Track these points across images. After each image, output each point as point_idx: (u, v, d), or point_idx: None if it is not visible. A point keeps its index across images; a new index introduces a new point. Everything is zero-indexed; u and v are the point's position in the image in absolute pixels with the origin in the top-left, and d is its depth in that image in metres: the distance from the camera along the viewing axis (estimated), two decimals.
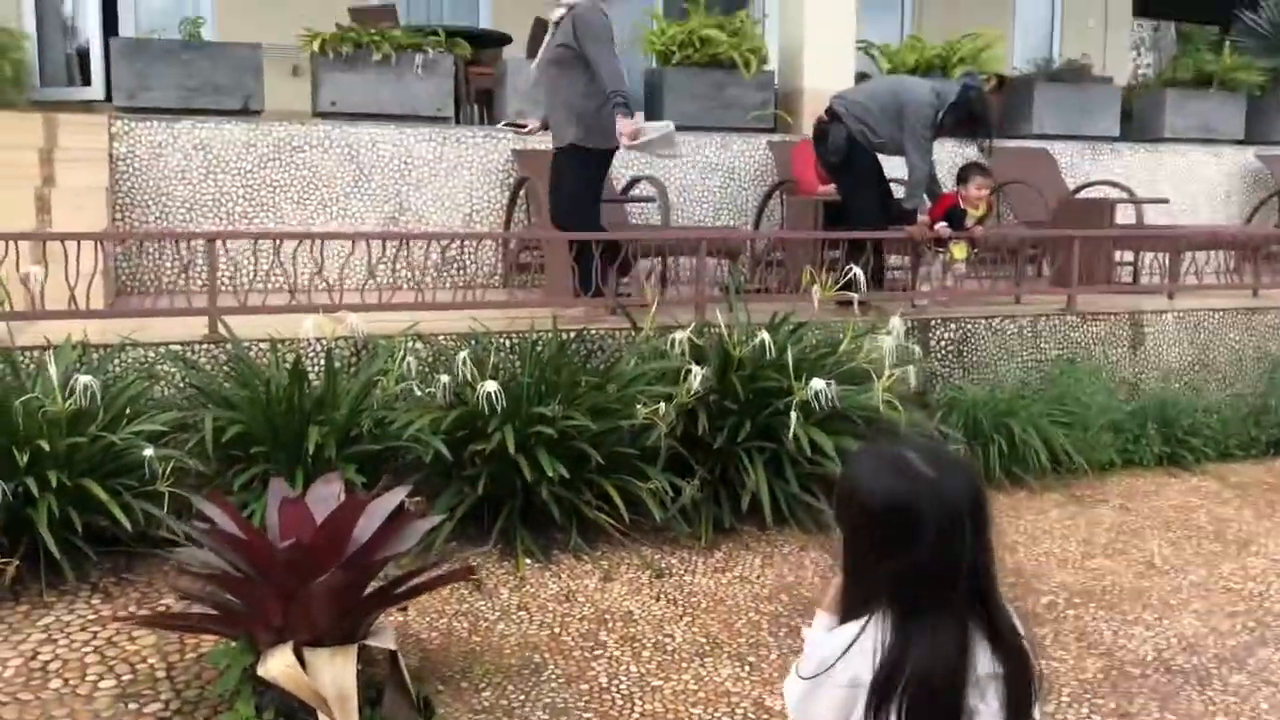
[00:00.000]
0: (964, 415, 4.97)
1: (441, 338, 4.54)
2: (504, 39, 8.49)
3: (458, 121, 7.91)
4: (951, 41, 8.05)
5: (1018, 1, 12.05)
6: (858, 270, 4.66)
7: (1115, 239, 6.13)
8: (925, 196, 5.59)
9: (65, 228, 5.58)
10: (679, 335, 4.33)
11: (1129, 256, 7.01)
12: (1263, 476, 5.30)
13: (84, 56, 8.84)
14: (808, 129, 7.21)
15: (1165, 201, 7.15)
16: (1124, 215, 7.53)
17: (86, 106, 8.10)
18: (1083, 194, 8.08)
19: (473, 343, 4.46)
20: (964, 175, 5.63)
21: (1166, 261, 6.43)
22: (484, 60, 8.29)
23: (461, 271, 6.72)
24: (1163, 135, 8.81)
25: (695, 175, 7.42)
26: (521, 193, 6.85)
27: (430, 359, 4.41)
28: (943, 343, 5.36)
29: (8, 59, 7.72)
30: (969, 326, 5.41)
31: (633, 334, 4.64)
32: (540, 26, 8.21)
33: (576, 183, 5.43)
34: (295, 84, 7.78)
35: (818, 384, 4.13)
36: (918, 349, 4.95)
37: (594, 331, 4.73)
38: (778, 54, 8.05)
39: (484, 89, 8.05)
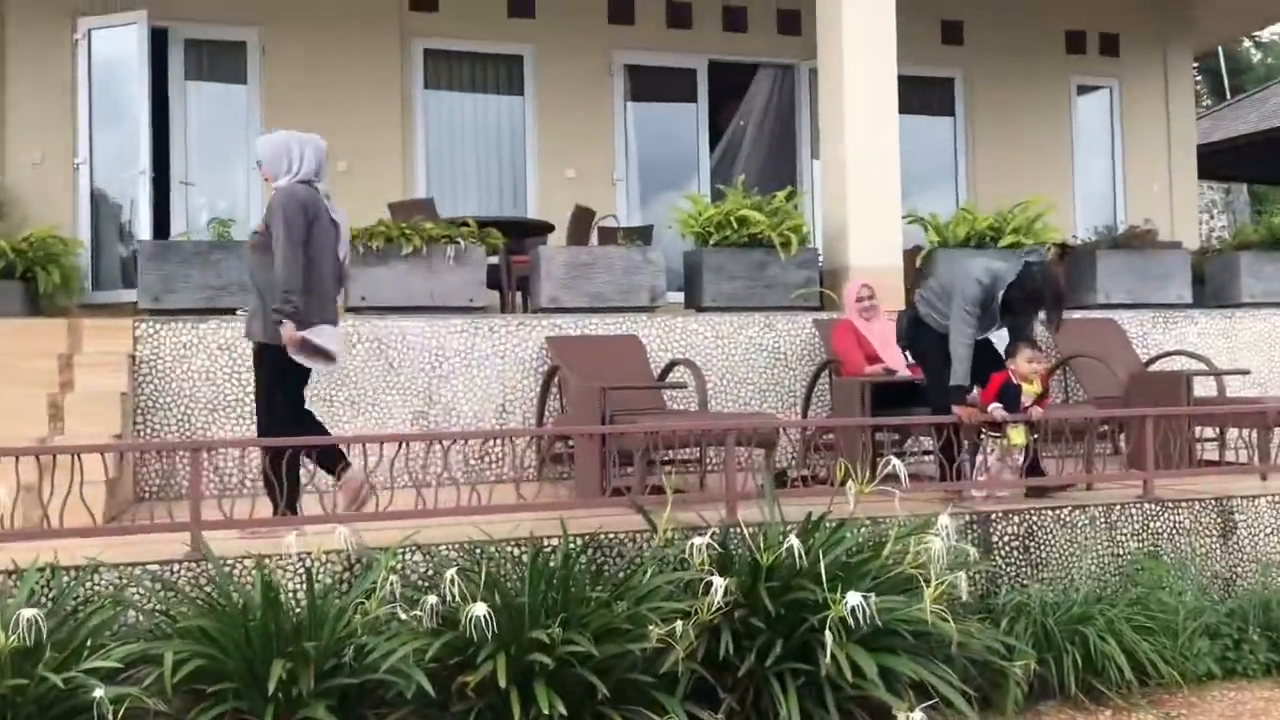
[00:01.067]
0: (1031, 623, 4.40)
1: (444, 548, 4.17)
2: (546, 227, 8.43)
3: (503, 311, 7.77)
4: (1003, 212, 7.76)
5: (1077, 168, 11.83)
6: (896, 461, 4.22)
7: (1193, 415, 5.60)
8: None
9: (76, 434, 5.43)
10: (698, 541, 3.91)
11: (1211, 433, 6.44)
12: None
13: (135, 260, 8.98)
14: (848, 310, 6.92)
15: (1246, 372, 6.62)
16: (1203, 387, 6.99)
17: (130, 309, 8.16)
18: (1156, 365, 7.57)
19: (477, 553, 4.10)
20: (1011, 350, 5.21)
21: (1254, 438, 5.86)
22: (525, 249, 8.21)
23: (496, 464, 6.42)
24: (1240, 300, 8.32)
25: (739, 357, 7.11)
26: (555, 381, 6.58)
27: (431, 573, 4.04)
28: (1005, 539, 4.84)
29: (59, 265, 7.84)
30: (1034, 519, 4.88)
31: (655, 539, 4.22)
32: (581, 213, 8.15)
33: (270, 384, 4.85)
34: None
35: (853, 598, 3.65)
36: (973, 550, 4.44)
37: (609, 537, 4.32)
38: (821, 231, 7.83)
39: (523, 276, 7.92)
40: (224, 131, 9.38)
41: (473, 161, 10.06)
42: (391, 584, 3.68)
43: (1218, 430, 6.31)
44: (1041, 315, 5.44)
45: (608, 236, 7.91)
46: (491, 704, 3.52)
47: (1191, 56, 12.46)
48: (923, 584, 3.91)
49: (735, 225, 7.15)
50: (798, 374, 7.19)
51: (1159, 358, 7.59)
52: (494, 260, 8.13)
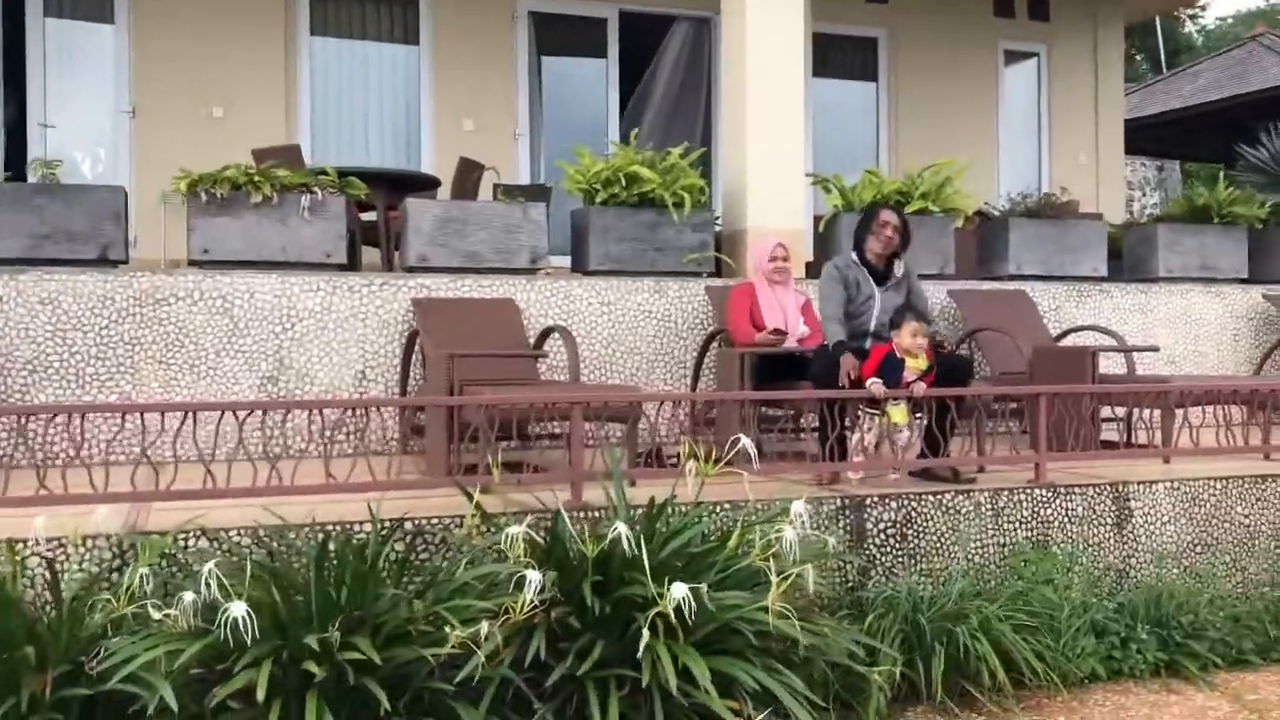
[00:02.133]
0: (900, 620, 3.99)
1: (235, 533, 3.65)
2: (431, 181, 7.86)
3: (387, 270, 7.22)
4: (911, 175, 7.33)
5: (1003, 137, 11.48)
6: (746, 440, 3.77)
7: (1091, 393, 5.22)
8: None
9: None
10: (514, 530, 3.42)
11: (1115, 413, 6.08)
12: None
13: None
14: (752, 272, 6.45)
15: (1155, 349, 6.26)
16: (1114, 364, 6.65)
17: None
18: (1067, 340, 7.21)
19: (273, 540, 3.58)
20: (895, 320, 4.79)
21: (1159, 419, 5.50)
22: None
23: (354, 436, 5.89)
24: (1157, 274, 7.98)
25: (626, 324, 6.63)
26: (418, 347, 6.06)
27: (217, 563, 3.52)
28: (881, 526, 4.41)
29: None
30: (914, 505, 4.46)
31: (470, 525, 3.74)
32: (466, 165, 7.61)
33: None
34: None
35: (678, 590, 3.19)
36: (831, 539, 3.99)
37: (433, 523, 3.83)
38: (722, 193, 7.35)
39: (398, 232, 7.36)
40: (89, 73, 8.69)
41: (363, 113, 9.45)
42: (143, 576, 3.15)
43: (1124, 410, 5.96)
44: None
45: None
46: (255, 718, 3.02)
47: (1123, 26, 12.12)
48: (771, 577, 3.46)
49: (624, 183, 6.64)
50: (689, 343, 6.72)
51: (1069, 332, 7.24)
52: (372, 217, 7.57)
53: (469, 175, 7.47)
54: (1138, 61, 27.78)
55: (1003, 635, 3.99)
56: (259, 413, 3.97)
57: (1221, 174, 8.52)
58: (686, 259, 6.79)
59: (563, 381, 5.90)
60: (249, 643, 2.96)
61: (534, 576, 3.25)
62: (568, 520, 3.60)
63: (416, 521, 3.79)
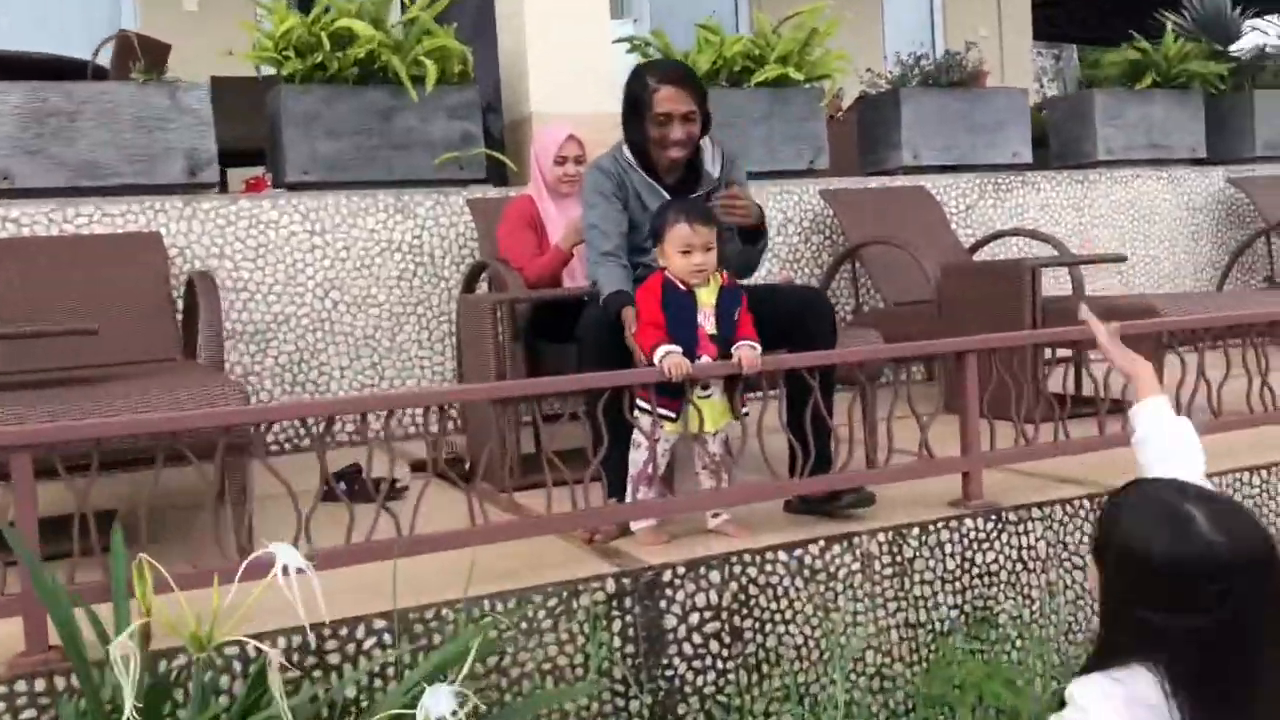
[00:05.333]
0: None
1: None
2: (70, 69, 5.45)
3: None
4: (764, 31, 5.22)
5: (888, 5, 9.46)
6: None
7: (1057, 342, 3.21)
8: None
9: None
10: None
11: (1074, 355, 4.13)
12: None
13: None
14: (533, 179, 4.29)
15: (1122, 258, 4.31)
16: (1054, 282, 4.72)
17: None
18: (984, 252, 5.26)
19: None
20: (657, 228, 2.65)
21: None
22: None
23: None
24: (1095, 157, 6.06)
25: (353, 263, 4.46)
26: None
27: None
28: (692, 618, 2.37)
29: None
30: (750, 573, 2.43)
31: None
32: (124, 43, 5.23)
33: None
34: None
35: None
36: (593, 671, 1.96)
37: None
38: (501, 63, 5.17)
39: None
40: None
41: None
42: None
43: (1074, 358, 4.02)
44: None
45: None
46: None
47: None
48: None
49: (331, 45, 4.41)
50: (454, 286, 4.59)
51: (987, 241, 5.28)
52: None
53: (128, 56, 5.12)
54: None
55: None
56: None
57: (1170, 25, 6.59)
58: (442, 161, 4.62)
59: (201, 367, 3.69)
60: None
61: None
62: None
63: None
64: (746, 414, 2.54)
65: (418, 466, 3.61)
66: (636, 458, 2.53)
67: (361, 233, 4.47)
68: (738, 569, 2.41)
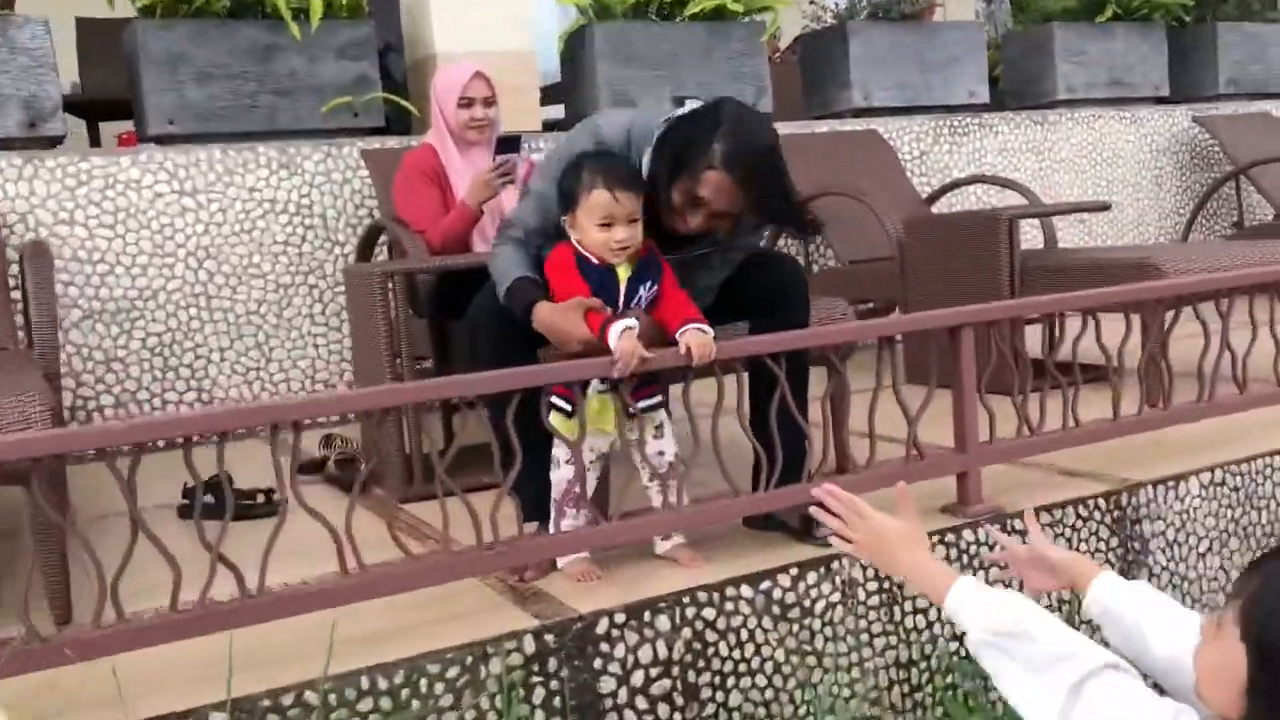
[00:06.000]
0: None
1: None
2: None
3: None
4: None
5: None
6: None
7: (1067, 308, 2.71)
8: None
9: None
10: None
11: (1048, 322, 3.68)
12: None
13: None
14: (435, 128, 3.69)
15: (1105, 207, 3.86)
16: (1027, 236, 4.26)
17: None
18: (942, 203, 4.80)
19: None
20: (569, 191, 2.09)
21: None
22: None
23: None
24: (1054, 96, 5.61)
25: (230, 228, 3.84)
26: None
27: None
28: (636, 677, 1.87)
29: None
30: (707, 617, 1.93)
31: None
32: None
33: None
34: None
35: None
36: None
37: None
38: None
39: None
40: None
41: None
42: None
43: (1050, 324, 3.56)
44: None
45: None
46: None
47: None
48: None
49: None
50: (351, 253, 4.00)
51: (948, 189, 4.82)
52: None
53: None
54: None
55: None
56: None
57: None
58: (331, 107, 4.01)
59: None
60: None
61: None
62: None
63: None
64: (646, 410, 2.03)
65: (307, 468, 3.08)
66: (560, 477, 2.00)
67: (240, 192, 3.86)
68: (691, 611, 1.91)
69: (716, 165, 1.97)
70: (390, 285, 2.80)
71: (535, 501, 2.02)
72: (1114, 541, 2.34)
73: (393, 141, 4.09)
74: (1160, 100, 5.88)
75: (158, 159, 3.76)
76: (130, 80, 3.96)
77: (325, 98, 3.99)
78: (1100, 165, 5.58)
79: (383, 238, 3.71)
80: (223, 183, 3.83)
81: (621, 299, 2.01)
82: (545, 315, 2.01)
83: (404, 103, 4.21)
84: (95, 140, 5.72)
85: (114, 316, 3.68)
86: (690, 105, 2.09)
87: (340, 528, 1.72)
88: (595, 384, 2.00)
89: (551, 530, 2.01)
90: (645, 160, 2.08)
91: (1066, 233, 5.26)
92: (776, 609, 1.98)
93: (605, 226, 1.99)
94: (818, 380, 2.24)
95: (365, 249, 3.68)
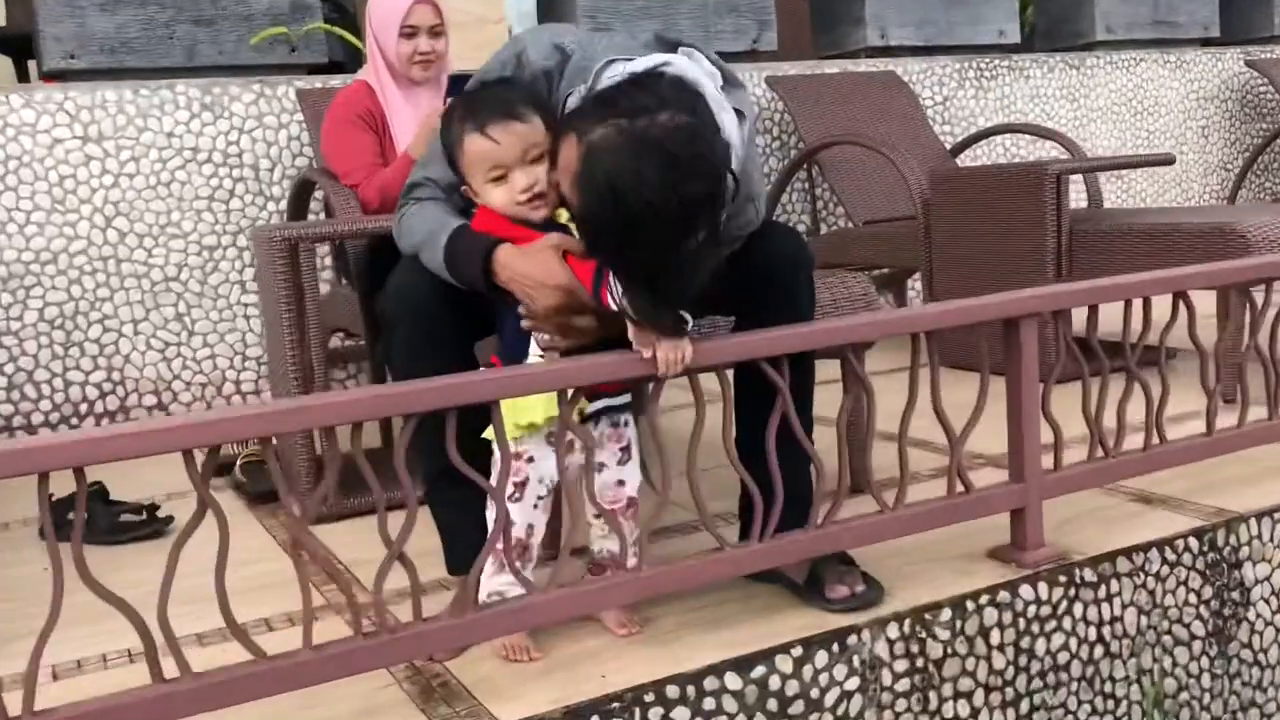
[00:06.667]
0: None
1: None
2: None
3: None
4: None
5: None
6: None
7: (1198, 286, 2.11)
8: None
9: None
10: None
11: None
12: None
13: None
14: (371, 66, 3.12)
15: (1169, 161, 3.31)
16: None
17: None
18: (967, 156, 4.24)
19: None
20: (449, 147, 1.50)
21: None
22: None
23: None
24: (1092, 37, 5.02)
25: (142, 181, 3.29)
26: None
27: None
28: None
29: None
30: (684, 716, 1.41)
31: None
32: None
33: None
34: None
35: None
36: None
37: None
38: None
39: None
40: None
41: None
42: None
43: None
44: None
45: None
46: None
47: None
48: None
49: None
50: (286, 209, 3.46)
51: (975, 139, 4.26)
52: None
53: None
54: None
55: None
56: None
57: None
58: (260, 38, 3.44)
59: None
60: None
61: None
62: None
63: None
64: (608, 411, 1.51)
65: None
66: (494, 517, 1.46)
67: (156, 138, 3.30)
68: (657, 714, 1.40)
69: (575, 140, 1.34)
70: (298, 254, 2.25)
71: (469, 547, 1.49)
72: (1207, 592, 1.83)
73: (335, 81, 3.52)
74: (1209, 42, 5.29)
75: (56, 99, 3.21)
76: (25, 6, 3.40)
77: (255, 28, 3.43)
78: (1140, 116, 5.00)
79: (319, 193, 3.17)
80: (134, 127, 3.27)
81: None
82: (510, 259, 1.47)
83: (351, 37, 3.65)
84: (24, 78, 5.16)
85: (4, 284, 3.15)
86: (656, 60, 1.49)
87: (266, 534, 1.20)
88: (534, 349, 1.48)
89: (470, 586, 1.47)
90: (571, 100, 1.52)
91: (1104, 189, 4.70)
92: (774, 704, 1.47)
93: (498, 180, 1.47)
94: (823, 373, 1.71)
95: (297, 207, 3.14)
